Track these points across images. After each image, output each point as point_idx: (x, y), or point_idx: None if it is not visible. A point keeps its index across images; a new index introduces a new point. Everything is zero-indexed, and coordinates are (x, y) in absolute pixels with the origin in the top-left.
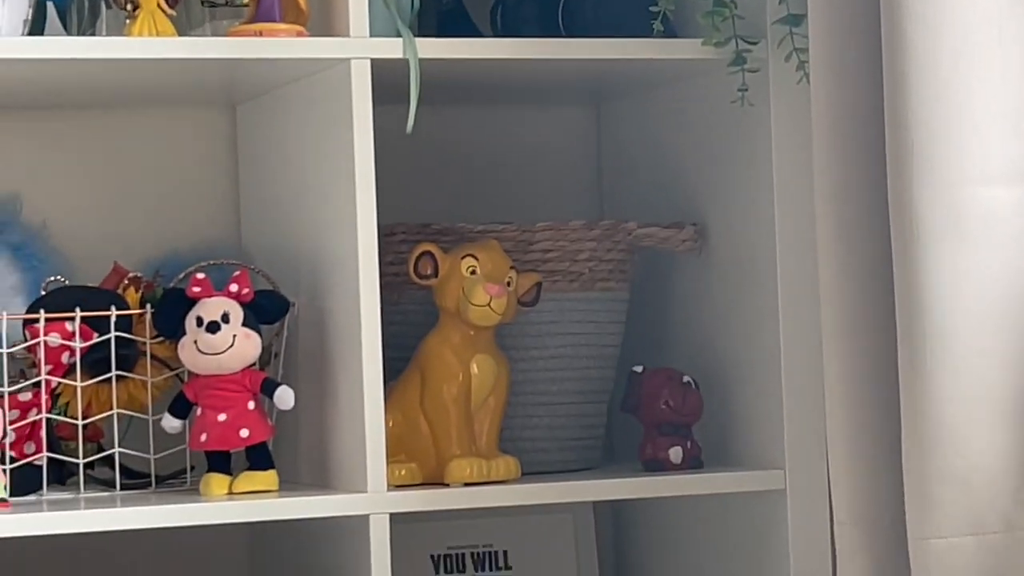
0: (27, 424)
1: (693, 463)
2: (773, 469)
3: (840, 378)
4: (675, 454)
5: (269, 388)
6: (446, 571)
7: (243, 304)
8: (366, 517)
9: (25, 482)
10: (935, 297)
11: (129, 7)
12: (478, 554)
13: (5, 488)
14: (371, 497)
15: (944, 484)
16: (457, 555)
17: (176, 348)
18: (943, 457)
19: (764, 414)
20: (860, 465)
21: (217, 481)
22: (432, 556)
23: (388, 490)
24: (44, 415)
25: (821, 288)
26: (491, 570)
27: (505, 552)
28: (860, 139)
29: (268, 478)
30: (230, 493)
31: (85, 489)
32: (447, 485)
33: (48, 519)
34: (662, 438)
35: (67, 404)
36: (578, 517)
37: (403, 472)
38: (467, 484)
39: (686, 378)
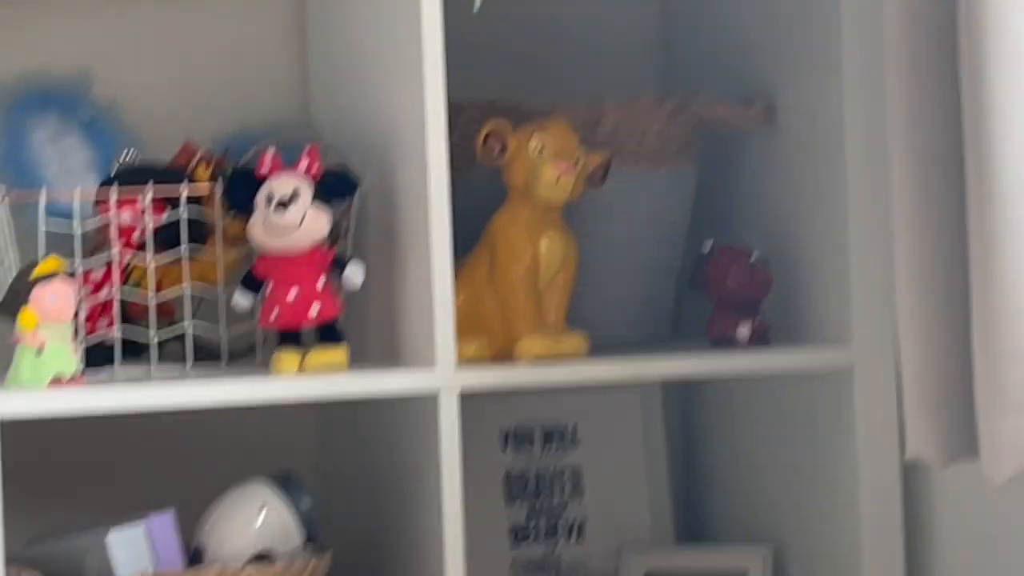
0: (100, 301)
1: (761, 341)
2: (841, 346)
3: (910, 257)
4: (743, 331)
5: (339, 265)
6: (515, 445)
7: (312, 181)
8: (435, 394)
9: (98, 358)
10: (1009, 176)
11: None
12: (547, 429)
13: (79, 363)
14: (440, 374)
15: (1015, 364)
16: (526, 430)
17: (246, 225)
18: (1014, 337)
19: (832, 291)
20: (930, 345)
21: (288, 358)
22: (501, 431)
23: (457, 367)
24: (116, 292)
25: (891, 165)
26: (559, 445)
27: (574, 427)
28: (933, 13)
29: (338, 354)
30: (300, 369)
31: (157, 366)
32: (516, 362)
33: (120, 395)
34: (730, 315)
35: (139, 281)
36: (645, 392)
37: (472, 348)
38: (536, 361)
39: (754, 255)
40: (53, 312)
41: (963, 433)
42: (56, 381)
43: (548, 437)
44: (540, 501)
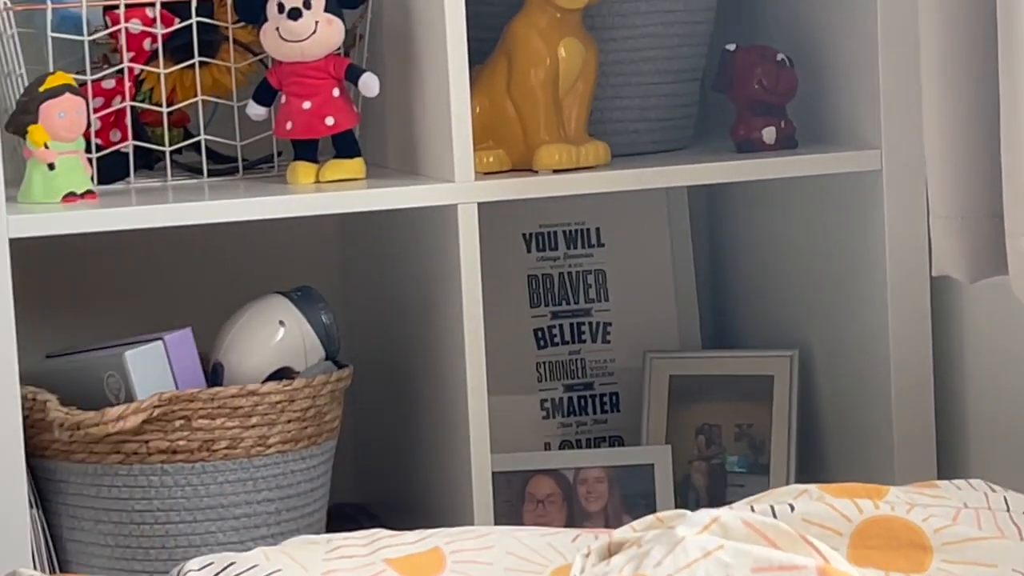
0: (112, 112)
1: (787, 143)
2: (869, 149)
3: (938, 64)
4: (768, 134)
5: (354, 74)
6: (538, 248)
7: None
8: (454, 206)
9: (112, 169)
10: None
11: None
12: (570, 231)
13: (92, 179)
14: (459, 186)
15: None
16: (549, 233)
17: (259, 33)
18: None
19: (860, 92)
20: (956, 157)
21: (304, 169)
22: (524, 234)
23: (476, 178)
24: (128, 102)
25: None
26: (584, 247)
27: (597, 229)
28: None
29: (355, 166)
30: (317, 181)
31: (172, 175)
32: (536, 172)
33: (136, 213)
34: (755, 118)
35: (151, 90)
36: (671, 194)
37: (491, 159)
38: (556, 171)
39: (780, 55)
40: (62, 129)
41: (991, 249)
42: (69, 197)
43: (572, 239)
44: (564, 304)
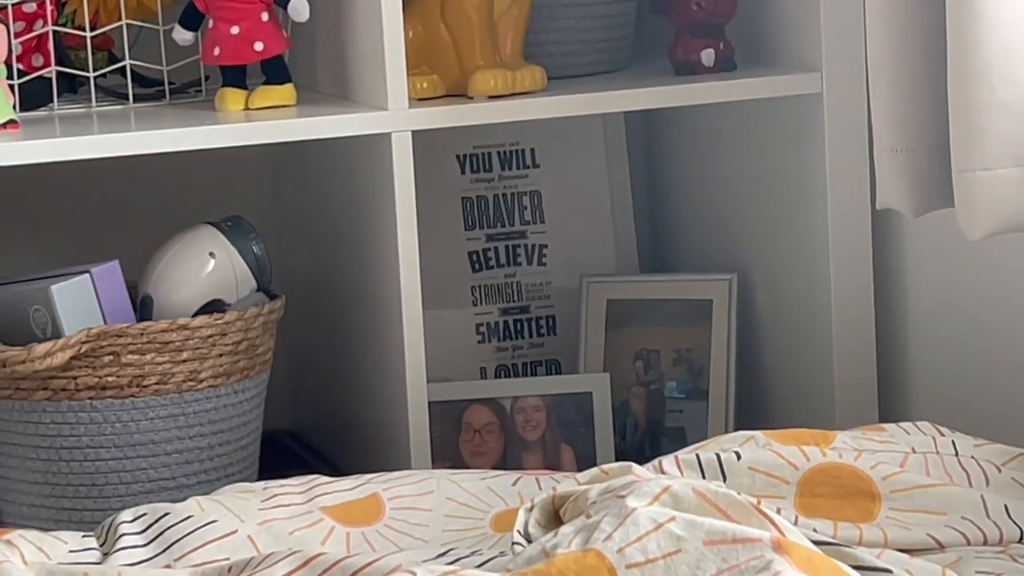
0: (34, 36)
1: (726, 65)
2: (810, 72)
3: None
4: (707, 56)
5: None
6: (472, 170)
7: None
8: (388, 135)
9: (35, 95)
10: None
11: None
12: (505, 152)
13: (14, 108)
14: (392, 115)
15: (992, 114)
16: (483, 154)
17: None
18: (991, 86)
19: (801, 13)
20: (901, 90)
21: (233, 96)
22: (457, 156)
23: (410, 106)
24: (50, 26)
25: None
26: (519, 168)
27: (532, 150)
28: None
29: (285, 92)
30: (246, 108)
31: (96, 101)
32: (470, 98)
33: (61, 145)
34: (693, 39)
35: (74, 13)
36: (608, 117)
37: (425, 85)
38: (491, 97)
39: None
40: None
41: (937, 182)
42: None
43: (507, 160)
44: (499, 226)
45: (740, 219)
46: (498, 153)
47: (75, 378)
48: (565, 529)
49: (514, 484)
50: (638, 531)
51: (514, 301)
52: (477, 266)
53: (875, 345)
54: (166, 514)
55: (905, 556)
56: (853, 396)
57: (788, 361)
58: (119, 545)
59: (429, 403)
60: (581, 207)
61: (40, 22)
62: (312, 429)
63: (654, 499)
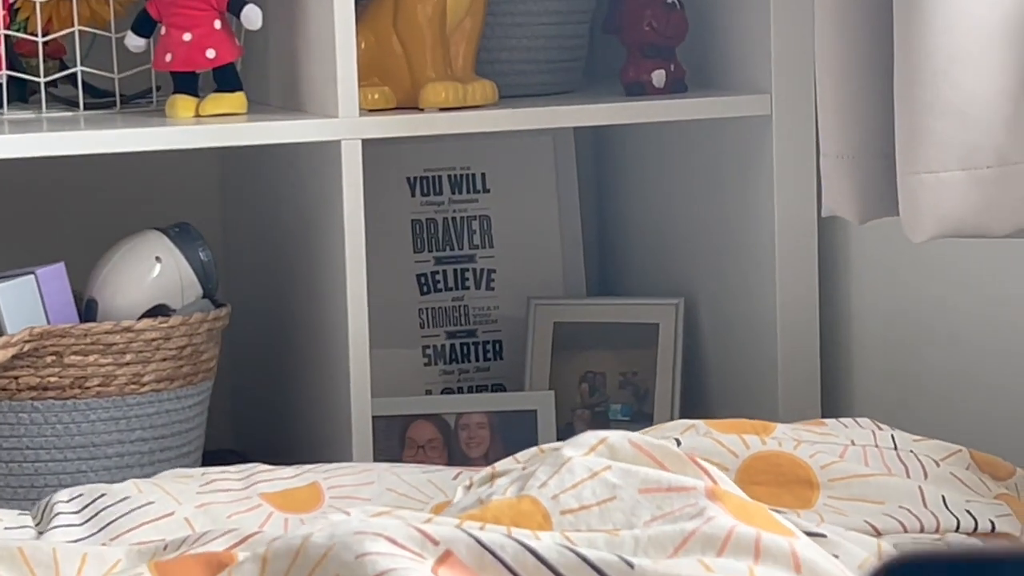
0: None
1: (677, 87)
2: (759, 94)
3: (830, 4)
4: (658, 77)
5: (236, 6)
6: (423, 193)
7: None
8: (338, 142)
9: None
10: None
11: None
12: (455, 176)
13: None
14: (343, 122)
15: (936, 116)
16: (434, 177)
17: None
18: (936, 88)
19: (751, 36)
20: (848, 95)
21: (183, 103)
22: (408, 179)
23: (360, 115)
24: (2, 31)
25: None
26: (469, 192)
27: (483, 174)
28: None
29: (236, 100)
30: (197, 115)
31: (47, 108)
32: (421, 110)
33: (10, 142)
34: (645, 60)
35: (26, 20)
36: (558, 140)
37: (376, 96)
38: (442, 109)
39: None
40: None
41: (882, 189)
42: None
43: (457, 184)
44: (448, 249)
45: (688, 241)
46: (449, 177)
47: (16, 378)
48: (501, 480)
49: (455, 478)
50: (573, 479)
51: (461, 325)
52: (425, 289)
53: (819, 371)
54: (103, 495)
55: (841, 528)
56: (797, 419)
57: (734, 384)
58: (55, 524)
59: (373, 418)
60: (530, 231)
61: None
62: (255, 447)
63: (590, 449)
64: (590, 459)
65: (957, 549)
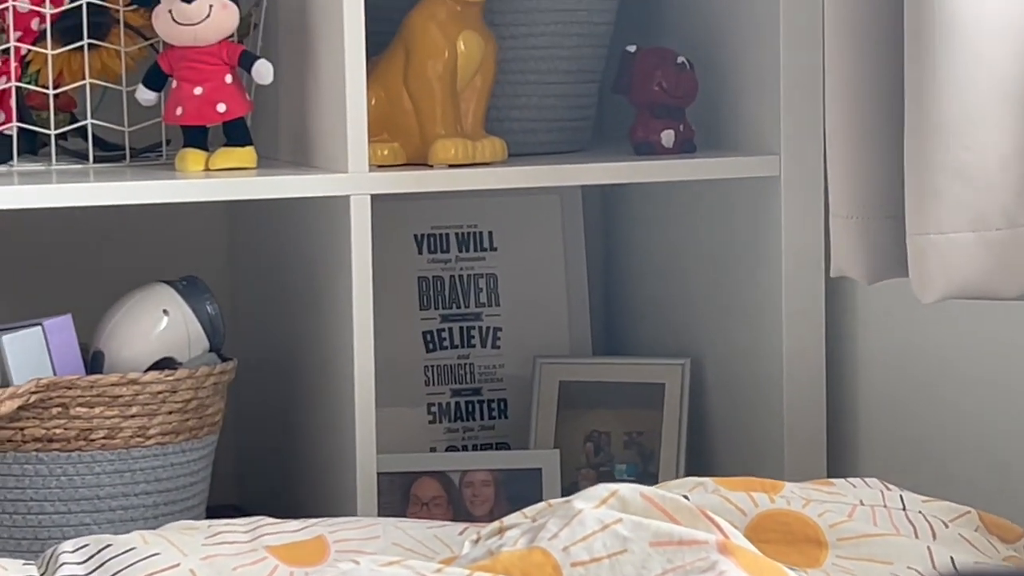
0: None
1: (686, 147)
2: (768, 155)
3: (842, 65)
4: (667, 137)
5: (247, 61)
6: (430, 251)
7: None
8: (347, 198)
9: None
10: None
11: None
12: (462, 234)
13: None
14: (352, 177)
15: (946, 178)
16: (441, 235)
17: (151, 16)
18: (946, 150)
19: (761, 98)
20: (858, 156)
21: (193, 156)
22: (415, 235)
23: (370, 170)
24: (14, 83)
25: None
26: (476, 250)
27: (490, 233)
28: None
29: (246, 155)
30: (207, 169)
31: (57, 160)
32: (431, 166)
33: (19, 193)
34: (654, 121)
35: (38, 72)
36: (565, 199)
37: (385, 152)
38: (451, 166)
39: (680, 58)
40: None
41: (891, 250)
42: None
43: (464, 242)
44: (455, 307)
45: (695, 301)
46: (456, 234)
47: (22, 429)
48: (511, 532)
49: (460, 533)
50: (584, 531)
51: (466, 383)
52: (431, 346)
53: (826, 431)
54: (108, 545)
55: None
56: (803, 480)
57: (739, 444)
58: (60, 574)
59: (378, 474)
60: (536, 290)
61: (3, 79)
62: (258, 502)
63: (601, 502)
64: (601, 511)
65: (1018, 567)
